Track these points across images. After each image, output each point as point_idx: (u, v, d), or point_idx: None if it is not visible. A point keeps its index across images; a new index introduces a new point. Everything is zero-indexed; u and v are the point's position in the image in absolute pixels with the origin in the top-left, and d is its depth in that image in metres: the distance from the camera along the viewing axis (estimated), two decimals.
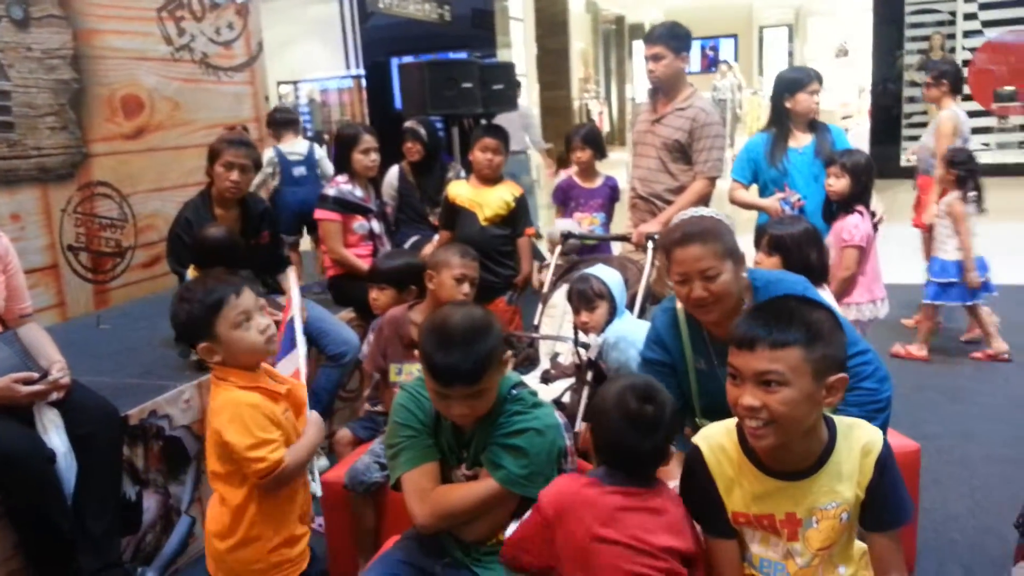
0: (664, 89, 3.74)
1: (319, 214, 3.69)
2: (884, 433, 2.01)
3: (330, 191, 3.69)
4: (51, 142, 3.80)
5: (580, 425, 2.42)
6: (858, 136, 9.32)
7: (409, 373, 2.54)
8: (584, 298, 2.69)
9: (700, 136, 3.65)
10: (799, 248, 2.80)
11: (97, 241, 4.08)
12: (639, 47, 22.58)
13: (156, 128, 4.37)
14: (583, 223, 4.42)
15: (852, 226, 3.32)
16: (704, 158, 3.65)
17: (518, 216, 3.84)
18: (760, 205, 3.68)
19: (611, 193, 4.47)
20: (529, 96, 16.10)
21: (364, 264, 3.65)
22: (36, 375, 2.27)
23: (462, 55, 13.49)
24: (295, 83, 14.95)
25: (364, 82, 4.76)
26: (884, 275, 3.48)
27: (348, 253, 3.65)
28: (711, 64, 19.42)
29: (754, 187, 3.81)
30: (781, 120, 3.74)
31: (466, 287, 2.59)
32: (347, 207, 3.67)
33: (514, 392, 1.76)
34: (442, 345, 1.65)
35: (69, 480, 2.29)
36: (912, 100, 10.46)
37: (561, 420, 1.84)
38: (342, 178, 3.71)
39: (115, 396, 2.54)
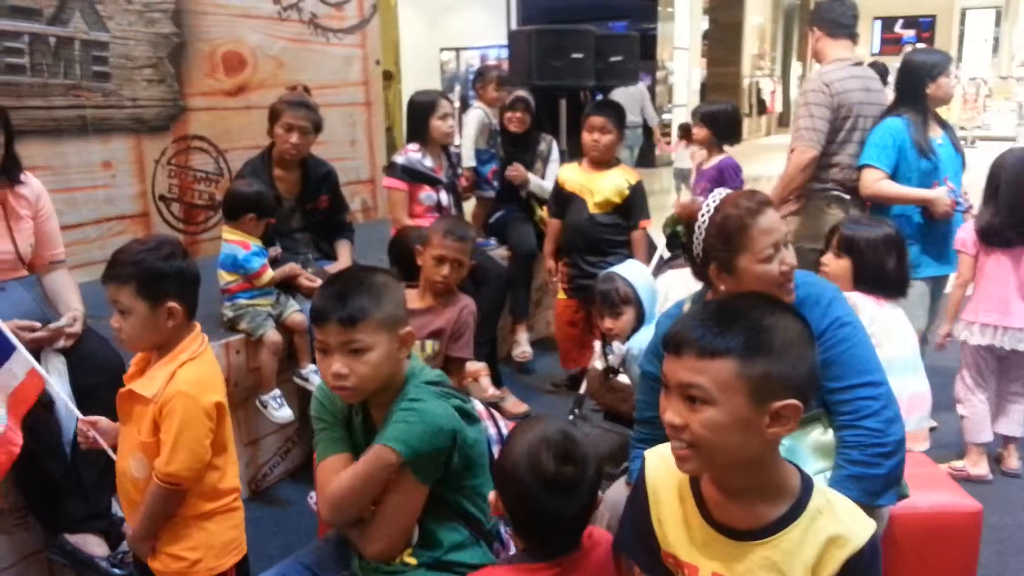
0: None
1: (386, 182, 3.61)
2: (892, 488, 1.68)
3: (399, 159, 3.59)
4: (147, 94, 3.91)
5: None
6: None
7: None
8: (608, 301, 2.44)
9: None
10: (874, 253, 2.44)
11: (190, 193, 4.19)
12: None
13: (258, 86, 4.43)
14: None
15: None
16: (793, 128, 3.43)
17: (633, 205, 3.59)
18: (923, 197, 3.21)
19: (718, 175, 4.14)
20: (689, 70, 15.50)
21: None
22: (39, 324, 2.31)
23: (620, 25, 13.24)
24: (457, 50, 15.13)
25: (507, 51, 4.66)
26: None
27: (411, 223, 3.54)
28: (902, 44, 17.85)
29: None
30: (920, 105, 3.28)
31: (445, 269, 2.41)
32: (415, 176, 3.56)
33: (419, 387, 1.59)
34: (326, 286, 1.61)
35: (68, 427, 2.30)
36: None
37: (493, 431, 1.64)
38: (412, 146, 3.60)
39: None
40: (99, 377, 2.36)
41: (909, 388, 2.35)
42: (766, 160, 13.92)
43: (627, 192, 3.53)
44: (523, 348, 4.17)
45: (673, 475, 1.26)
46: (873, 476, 1.66)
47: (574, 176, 3.65)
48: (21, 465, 2.28)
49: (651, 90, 13.36)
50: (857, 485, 1.65)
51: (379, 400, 1.63)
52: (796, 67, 20.12)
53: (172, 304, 1.78)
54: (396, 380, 1.63)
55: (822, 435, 1.74)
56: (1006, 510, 2.82)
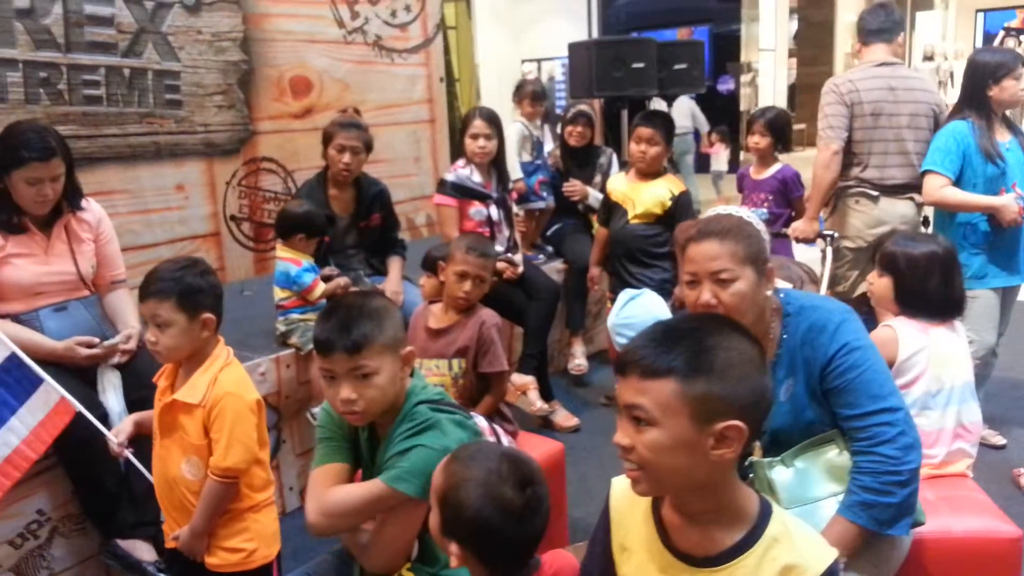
0: None
1: (436, 199, 3.68)
2: (905, 518, 1.62)
3: (448, 176, 3.66)
4: (218, 119, 4.10)
5: None
6: None
7: (428, 369, 2.44)
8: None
9: None
10: (914, 272, 2.33)
11: (260, 213, 4.36)
12: (924, 19, 20.35)
13: (324, 108, 4.56)
14: None
15: None
16: None
17: (677, 216, 3.53)
18: (989, 204, 3.08)
19: (779, 186, 4.06)
20: (775, 71, 15.11)
21: None
22: (96, 340, 2.47)
23: (703, 30, 13.06)
24: (539, 61, 15.23)
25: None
26: None
27: None
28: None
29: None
30: (985, 108, 3.15)
31: (467, 285, 2.44)
32: (464, 192, 3.62)
33: (417, 408, 1.62)
34: (327, 315, 1.64)
35: None
36: None
37: None
38: (461, 162, 3.66)
39: None
40: (151, 391, 2.49)
41: (956, 419, 2.23)
42: None
43: (669, 203, 3.49)
44: (579, 361, 4.18)
45: (638, 500, 1.26)
46: (885, 504, 1.61)
47: (620, 186, 3.66)
48: (79, 475, 2.45)
49: (736, 93, 13.14)
50: (867, 512, 1.61)
51: (383, 420, 1.68)
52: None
53: (207, 315, 1.93)
54: (399, 399, 1.68)
55: (837, 456, 1.69)
56: None
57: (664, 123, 3.59)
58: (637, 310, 2.37)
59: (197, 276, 1.96)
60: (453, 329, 2.54)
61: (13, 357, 2.21)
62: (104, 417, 2.41)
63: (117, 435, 2.10)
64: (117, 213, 3.41)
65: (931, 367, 2.21)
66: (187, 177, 4.02)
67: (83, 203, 2.63)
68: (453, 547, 1.30)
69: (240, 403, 1.92)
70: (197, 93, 4.00)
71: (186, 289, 1.91)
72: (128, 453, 2.09)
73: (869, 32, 3.54)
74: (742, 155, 11.76)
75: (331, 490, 1.66)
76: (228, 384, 1.94)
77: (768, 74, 14.61)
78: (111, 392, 2.47)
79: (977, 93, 3.15)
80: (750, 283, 1.66)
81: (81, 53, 3.55)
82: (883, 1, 3.61)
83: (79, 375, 2.45)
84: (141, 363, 2.53)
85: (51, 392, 2.23)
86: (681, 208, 3.50)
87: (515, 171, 4.24)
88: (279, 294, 3.09)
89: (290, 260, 3.05)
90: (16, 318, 2.45)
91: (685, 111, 9.29)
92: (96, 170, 3.56)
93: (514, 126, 4.33)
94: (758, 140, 4.08)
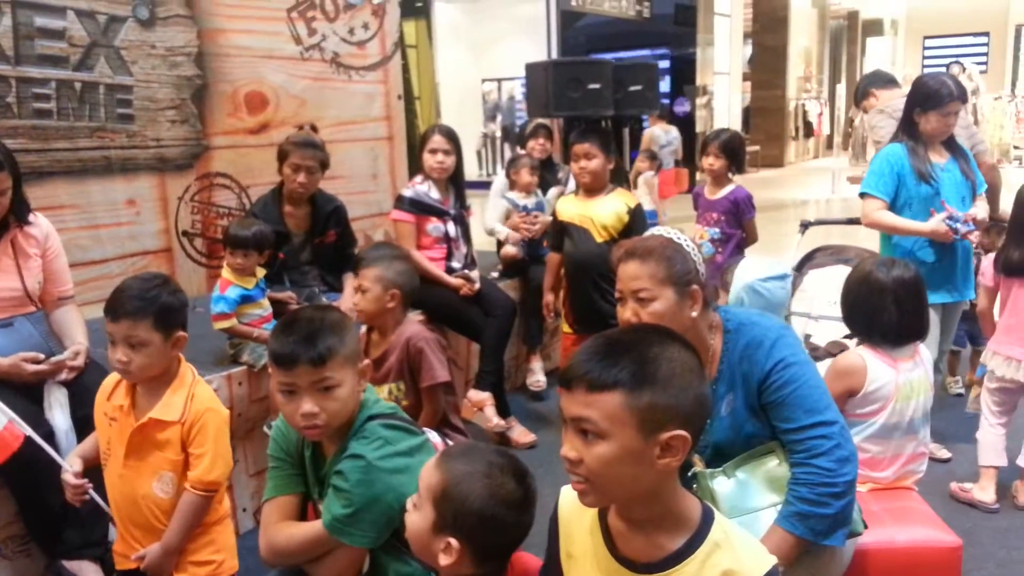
0: None
1: (394, 215, 3.68)
2: (840, 528, 1.66)
3: (406, 192, 3.66)
4: (171, 134, 4.06)
5: None
6: None
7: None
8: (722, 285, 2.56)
9: None
10: (859, 300, 2.38)
11: (213, 229, 4.32)
12: (874, 45, 20.92)
13: (280, 124, 4.55)
14: (696, 236, 4.16)
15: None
16: None
17: (634, 229, 3.50)
18: (917, 230, 3.13)
19: (730, 207, 4.13)
20: (728, 95, 15.43)
21: (435, 267, 3.60)
22: (42, 356, 2.42)
23: (660, 52, 13.29)
24: (499, 80, 15.35)
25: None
26: None
27: (419, 255, 3.59)
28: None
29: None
30: (912, 132, 3.23)
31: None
32: (422, 208, 3.62)
33: (369, 424, 1.62)
34: (286, 330, 1.63)
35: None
36: None
37: None
38: (418, 178, 3.67)
39: None
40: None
41: (914, 447, 2.28)
42: (815, 183, 13.75)
43: (626, 217, 3.51)
44: (537, 377, 4.19)
45: (586, 509, 1.27)
46: (820, 515, 1.65)
47: (571, 207, 3.64)
48: (23, 495, 2.39)
49: (691, 116, 13.37)
50: (803, 523, 1.64)
51: (332, 435, 1.67)
52: (841, 88, 19.83)
53: (180, 334, 1.95)
54: (354, 412, 1.68)
55: (777, 467, 1.73)
56: (1015, 545, 2.73)
57: (599, 137, 3.61)
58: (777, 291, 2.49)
59: (171, 295, 1.97)
60: (384, 357, 2.55)
61: None
62: (50, 435, 2.36)
63: (68, 471, 2.04)
64: (66, 228, 3.36)
65: (895, 400, 2.24)
66: (138, 192, 3.97)
67: (31, 217, 2.58)
68: (453, 542, 1.31)
69: (219, 418, 1.97)
70: (150, 108, 3.96)
71: (163, 308, 1.92)
72: (90, 489, 2.04)
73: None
74: (698, 175, 11.96)
75: (279, 528, 1.68)
76: (206, 400, 1.98)
77: (723, 97, 14.90)
78: (57, 409, 2.42)
79: (908, 117, 3.23)
80: (669, 303, 1.74)
81: (31, 66, 3.50)
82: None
83: (25, 392, 2.39)
84: (88, 380, 2.48)
85: None
86: (638, 222, 3.51)
87: (492, 220, 4.29)
88: None
89: (222, 282, 2.99)
90: None
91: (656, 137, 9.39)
92: (45, 184, 3.50)
93: (500, 202, 4.32)
94: (712, 162, 4.14)
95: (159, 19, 3.95)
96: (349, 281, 3.44)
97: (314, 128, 4.13)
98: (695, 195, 4.40)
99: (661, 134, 9.50)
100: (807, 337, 3.39)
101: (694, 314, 1.76)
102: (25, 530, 2.43)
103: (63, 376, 2.46)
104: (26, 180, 2.70)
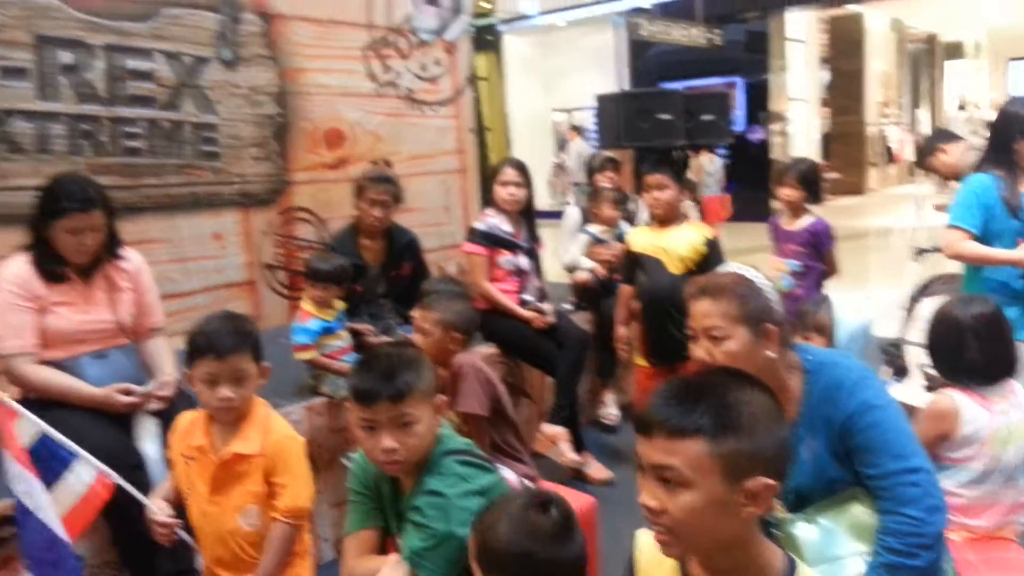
0: None
1: (466, 247, 3.71)
2: None
3: (479, 225, 3.70)
4: (254, 170, 4.21)
5: None
6: None
7: None
8: (800, 323, 2.46)
9: None
10: (943, 340, 2.29)
11: (295, 261, 4.45)
12: (952, 68, 20.34)
13: (357, 159, 4.68)
14: (775, 269, 4.08)
15: None
16: None
17: (712, 262, 3.46)
18: (1007, 258, 3.00)
19: (811, 238, 4.04)
20: (807, 121, 15.15)
21: (508, 300, 3.62)
22: (134, 387, 2.51)
23: (732, 79, 13.17)
24: (569, 111, 15.44)
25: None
26: None
27: (492, 288, 3.62)
28: None
29: None
30: (1008, 161, 3.11)
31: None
32: (494, 241, 3.65)
33: (447, 459, 1.63)
34: (366, 367, 1.66)
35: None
36: None
37: None
38: (491, 211, 3.70)
39: None
40: None
41: (1014, 497, 2.16)
42: (898, 210, 13.33)
43: (704, 248, 3.45)
44: (610, 410, 4.15)
45: (661, 561, 1.25)
46: (909, 567, 1.58)
47: (644, 238, 3.58)
48: (116, 523, 2.47)
49: (765, 142, 13.19)
50: (892, 575, 1.58)
51: (410, 469, 1.69)
52: (922, 114, 19.28)
53: (265, 364, 2.04)
54: (431, 447, 1.69)
55: (862, 514, 1.67)
56: None
57: (672, 168, 3.58)
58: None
59: (253, 328, 2.06)
60: (444, 384, 2.55)
61: (45, 438, 2.15)
62: (141, 465, 2.43)
63: (159, 513, 2.09)
64: (156, 261, 3.48)
65: (990, 444, 2.14)
66: (224, 226, 4.12)
67: (122, 252, 2.69)
68: None
69: (297, 444, 2.03)
70: (234, 145, 4.11)
71: (256, 341, 2.03)
72: (180, 530, 2.10)
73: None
74: (772, 204, 11.75)
75: (359, 562, 1.71)
76: (281, 429, 2.05)
77: (800, 123, 14.64)
78: (148, 439, 2.49)
79: (1003, 145, 3.09)
80: (743, 342, 1.68)
81: (123, 106, 3.68)
82: None
83: (117, 422, 2.48)
84: (177, 411, 2.55)
85: (86, 468, 2.17)
86: (715, 253, 3.43)
87: (569, 256, 4.28)
88: None
89: (303, 314, 3.06)
90: (59, 365, 2.50)
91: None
92: (136, 219, 3.66)
93: (582, 237, 4.32)
94: (789, 193, 4.04)
95: (242, 60, 4.11)
96: None
97: (388, 163, 4.22)
98: (771, 226, 4.32)
99: (708, 163, 9.73)
100: (923, 367, 3.27)
101: (770, 353, 1.70)
102: (118, 557, 2.51)
103: (153, 406, 2.54)
104: (118, 216, 2.82)
